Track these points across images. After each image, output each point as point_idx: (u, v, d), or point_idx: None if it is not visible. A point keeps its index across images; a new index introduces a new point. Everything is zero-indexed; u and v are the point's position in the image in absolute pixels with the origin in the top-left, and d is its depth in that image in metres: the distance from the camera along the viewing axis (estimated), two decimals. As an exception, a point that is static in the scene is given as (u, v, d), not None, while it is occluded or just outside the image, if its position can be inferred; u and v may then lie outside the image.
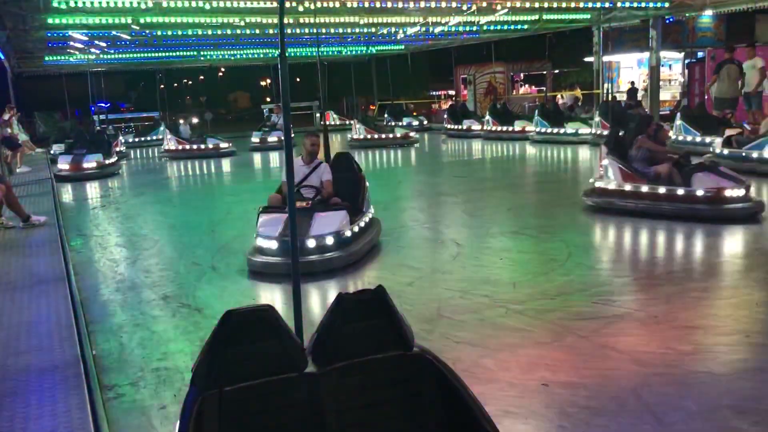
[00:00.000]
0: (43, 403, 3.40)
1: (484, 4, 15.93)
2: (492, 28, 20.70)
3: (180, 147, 19.83)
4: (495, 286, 6.11)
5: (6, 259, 6.58)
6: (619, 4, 16.64)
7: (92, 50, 20.62)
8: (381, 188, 11.74)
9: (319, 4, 14.05)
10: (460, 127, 22.29)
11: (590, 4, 16.90)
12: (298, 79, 43.82)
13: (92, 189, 14.56)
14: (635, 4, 16.74)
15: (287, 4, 13.76)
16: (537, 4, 16.39)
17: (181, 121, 21.34)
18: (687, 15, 19.98)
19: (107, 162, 16.55)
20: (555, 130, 18.42)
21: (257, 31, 18.15)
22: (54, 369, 3.79)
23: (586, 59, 26.66)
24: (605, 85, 21.30)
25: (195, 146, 19.99)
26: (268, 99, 39.31)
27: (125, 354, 4.84)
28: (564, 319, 5.13)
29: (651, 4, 16.55)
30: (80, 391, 3.56)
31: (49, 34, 16.31)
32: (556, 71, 32.21)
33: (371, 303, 2.37)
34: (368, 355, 2.36)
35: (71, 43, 18.39)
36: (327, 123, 22.63)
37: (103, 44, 19.44)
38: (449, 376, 2.35)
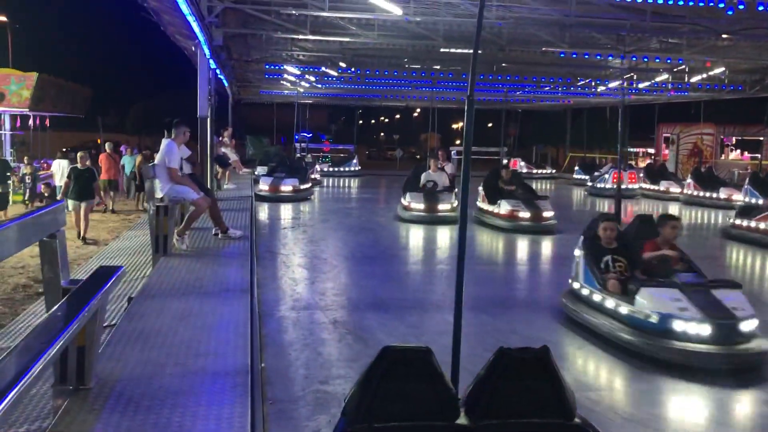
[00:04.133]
0: (212, 405, 3.59)
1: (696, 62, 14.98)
2: (703, 86, 19.39)
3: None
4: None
5: (201, 266, 7.16)
6: None
7: (302, 83, 22.31)
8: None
9: (519, 52, 14.04)
10: (657, 187, 20.97)
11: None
12: (490, 125, 44.09)
13: (286, 210, 15.59)
14: None
15: (486, 50, 13.90)
16: (758, 65, 15.10)
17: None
18: None
19: (302, 187, 17.64)
20: None
21: (452, 75, 18.55)
22: (225, 375, 4.00)
23: (814, 127, 23.96)
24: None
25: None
26: (458, 141, 39.91)
27: (291, 371, 5.03)
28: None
29: None
30: (245, 400, 3.71)
31: (267, 66, 17.90)
32: (775, 138, 29.26)
33: (533, 363, 2.24)
34: (525, 417, 2.22)
35: (285, 75, 20.03)
36: (514, 170, 21.50)
37: (312, 78, 20.98)
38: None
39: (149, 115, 36.75)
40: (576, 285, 6.54)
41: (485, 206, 13.26)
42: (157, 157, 7.90)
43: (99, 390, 3.70)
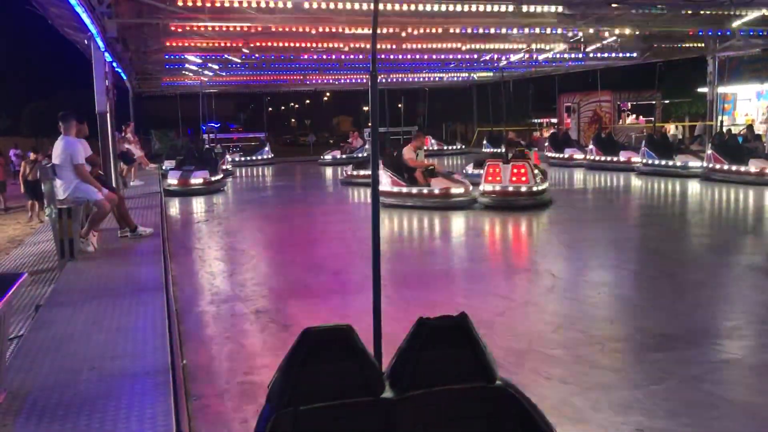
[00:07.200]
0: (132, 406, 3.49)
1: (591, 31, 15.54)
2: (598, 55, 20.18)
3: None
4: (591, 322, 5.82)
5: (111, 267, 6.91)
6: (737, 33, 15.77)
7: (205, 72, 21.71)
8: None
9: (421, 30, 14.15)
10: (561, 155, 21.78)
11: (705, 32, 16.13)
12: (400, 105, 44.38)
13: (198, 204, 15.20)
14: (755, 32, 15.81)
15: (390, 30, 13.95)
16: (647, 32, 15.83)
17: None
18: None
19: (213, 179, 17.24)
20: (663, 162, 17.61)
21: (360, 57, 18.50)
22: (145, 375, 3.89)
23: (700, 89, 25.43)
24: (719, 118, 20.22)
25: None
26: (370, 123, 40.06)
27: (214, 365, 4.94)
28: (664, 360, 4.80)
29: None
30: (167, 399, 3.63)
31: (167, 56, 17.29)
32: (666, 101, 30.88)
33: (453, 330, 2.27)
34: (448, 384, 2.26)
35: (187, 65, 19.42)
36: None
37: (216, 66, 20.43)
38: (532, 413, 2.21)
39: (46, 115, 34.91)
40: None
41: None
42: (57, 157, 7.49)
43: (9, 404, 3.53)
